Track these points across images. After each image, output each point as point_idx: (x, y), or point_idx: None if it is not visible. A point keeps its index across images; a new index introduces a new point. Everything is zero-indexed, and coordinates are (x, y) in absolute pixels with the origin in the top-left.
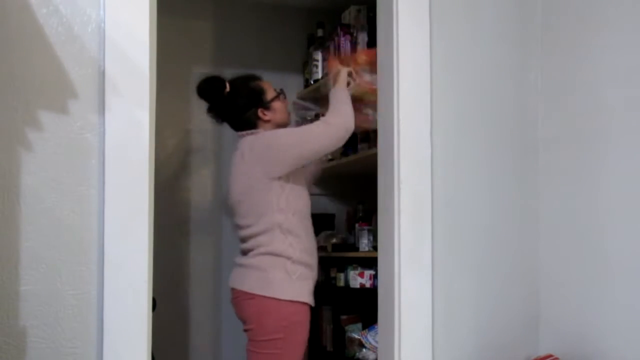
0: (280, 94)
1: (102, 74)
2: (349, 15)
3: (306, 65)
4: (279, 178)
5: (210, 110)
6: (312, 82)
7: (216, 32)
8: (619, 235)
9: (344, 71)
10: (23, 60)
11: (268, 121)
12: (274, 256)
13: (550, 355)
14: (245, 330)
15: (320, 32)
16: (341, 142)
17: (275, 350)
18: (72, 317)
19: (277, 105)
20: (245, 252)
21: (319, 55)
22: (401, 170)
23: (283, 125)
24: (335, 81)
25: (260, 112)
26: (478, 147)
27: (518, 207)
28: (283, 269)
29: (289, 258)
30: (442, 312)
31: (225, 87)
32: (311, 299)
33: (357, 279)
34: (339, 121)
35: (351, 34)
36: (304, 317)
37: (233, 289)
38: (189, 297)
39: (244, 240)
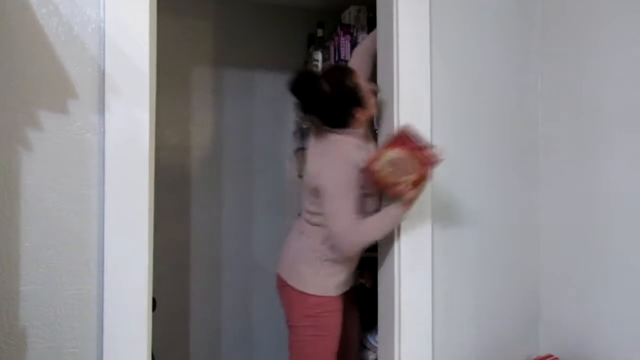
0: (375, 93)
1: (102, 74)
2: (349, 15)
3: (306, 65)
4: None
5: (300, 106)
6: None
7: (216, 32)
8: (619, 235)
9: (414, 194)
10: (23, 60)
11: (361, 120)
12: (312, 251)
13: (550, 355)
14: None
15: (320, 32)
16: (346, 247)
17: (305, 337)
18: (72, 317)
19: (371, 102)
20: (300, 233)
21: (319, 55)
22: None
23: (371, 118)
24: (405, 201)
25: (356, 112)
26: (478, 147)
27: (518, 206)
28: (312, 264)
29: (324, 255)
30: (442, 312)
31: (322, 85)
32: (337, 291)
33: (359, 278)
34: (358, 239)
35: (351, 34)
36: (330, 307)
37: (278, 273)
38: (189, 297)
39: (305, 220)
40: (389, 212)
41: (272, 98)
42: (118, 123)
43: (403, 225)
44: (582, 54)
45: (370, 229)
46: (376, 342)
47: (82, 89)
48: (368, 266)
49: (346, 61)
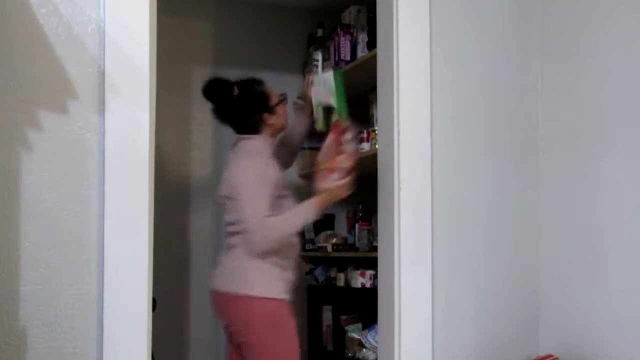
0: (283, 100)
1: (102, 74)
2: (349, 15)
3: (306, 65)
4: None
5: (214, 111)
6: None
7: (216, 32)
8: (619, 235)
9: (329, 196)
10: (23, 60)
11: (271, 125)
12: (251, 259)
13: (550, 355)
14: (230, 332)
15: (320, 32)
16: (255, 237)
17: (265, 348)
18: (72, 317)
19: (280, 110)
20: (228, 249)
21: (319, 55)
22: (401, 170)
23: (282, 129)
24: (321, 196)
25: (265, 117)
26: (478, 147)
27: (518, 207)
28: (259, 268)
29: (266, 257)
30: (442, 312)
31: (232, 90)
32: (288, 296)
33: (359, 278)
34: (270, 233)
35: (351, 34)
36: (286, 312)
37: (214, 291)
38: (189, 298)
39: (228, 234)
40: (303, 206)
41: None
42: (118, 123)
43: (403, 225)
44: (582, 54)
45: (282, 223)
46: (376, 342)
47: (82, 89)
48: (368, 266)
49: (347, 61)
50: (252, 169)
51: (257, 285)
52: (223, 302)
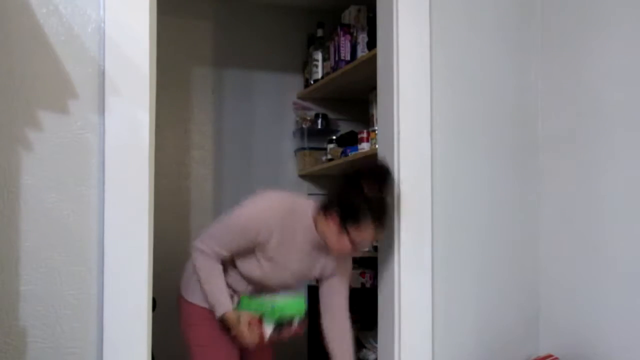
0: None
1: (102, 74)
2: (349, 15)
3: (306, 65)
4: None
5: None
6: (312, 82)
7: (216, 32)
8: (619, 235)
9: (231, 321)
10: (23, 60)
11: (328, 229)
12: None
13: (550, 355)
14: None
15: (320, 32)
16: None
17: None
18: (72, 317)
19: (351, 246)
20: None
21: (319, 55)
22: (401, 170)
23: (326, 243)
24: (229, 315)
25: (332, 218)
26: (478, 147)
27: (518, 207)
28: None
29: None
30: (442, 312)
31: (361, 181)
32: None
33: (359, 278)
34: (196, 260)
35: (351, 34)
36: (202, 317)
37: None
38: None
39: None
40: (216, 292)
41: (272, 98)
42: (118, 123)
43: (403, 225)
44: (582, 54)
45: (204, 274)
46: (376, 342)
47: (82, 89)
48: (368, 266)
49: (347, 61)
50: (257, 206)
51: (188, 290)
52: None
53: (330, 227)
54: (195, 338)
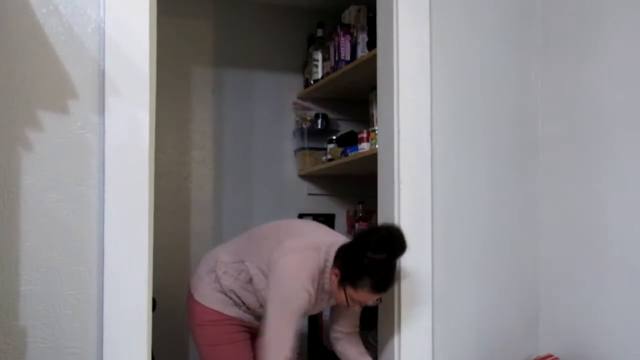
0: (377, 303)
1: (102, 74)
2: (349, 15)
3: (306, 65)
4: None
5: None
6: (312, 82)
7: (216, 32)
8: (618, 235)
9: None
10: (23, 60)
11: (337, 291)
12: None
13: (550, 355)
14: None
15: (320, 32)
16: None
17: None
18: (72, 317)
19: (356, 303)
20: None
21: (319, 55)
22: (401, 170)
23: (333, 302)
24: None
25: (336, 272)
26: (478, 147)
27: (518, 207)
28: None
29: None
30: (442, 312)
31: (370, 254)
32: (226, 309)
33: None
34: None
35: (351, 34)
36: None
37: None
38: None
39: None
40: None
41: (272, 98)
42: (118, 123)
43: (403, 225)
44: (582, 54)
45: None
46: (376, 342)
47: (82, 89)
48: None
49: (347, 61)
50: (292, 279)
51: (199, 291)
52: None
53: (332, 280)
54: (205, 337)
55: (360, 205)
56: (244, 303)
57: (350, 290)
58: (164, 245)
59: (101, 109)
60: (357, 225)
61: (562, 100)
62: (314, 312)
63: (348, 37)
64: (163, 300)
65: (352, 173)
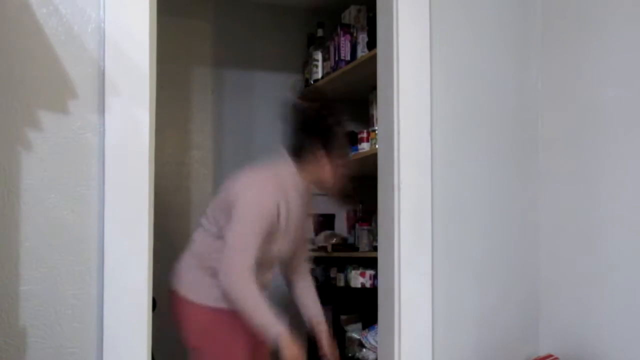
0: (347, 156)
1: (102, 74)
2: (349, 15)
3: (306, 65)
4: None
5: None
6: (312, 82)
7: (216, 32)
8: (619, 235)
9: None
10: (23, 60)
11: (319, 165)
12: (201, 255)
13: (550, 355)
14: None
15: (320, 32)
16: (223, 282)
17: None
18: (72, 317)
19: (338, 170)
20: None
21: (319, 55)
22: (401, 170)
23: (321, 185)
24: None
25: (320, 151)
26: (478, 147)
27: (518, 207)
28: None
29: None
30: (442, 312)
31: (327, 111)
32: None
33: (359, 278)
34: (239, 290)
35: (351, 34)
36: (224, 322)
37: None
38: None
39: (197, 227)
40: (267, 316)
41: (272, 98)
42: (118, 123)
43: (403, 225)
44: (582, 54)
45: (249, 302)
46: (376, 342)
47: (82, 89)
48: (368, 266)
49: (347, 61)
50: (257, 192)
51: (193, 288)
52: (171, 302)
53: (317, 164)
54: (212, 345)
55: (360, 205)
56: None
57: (337, 161)
58: (164, 245)
59: (101, 109)
60: (357, 225)
61: (562, 100)
62: (290, 231)
63: (348, 37)
64: (163, 301)
65: (352, 173)
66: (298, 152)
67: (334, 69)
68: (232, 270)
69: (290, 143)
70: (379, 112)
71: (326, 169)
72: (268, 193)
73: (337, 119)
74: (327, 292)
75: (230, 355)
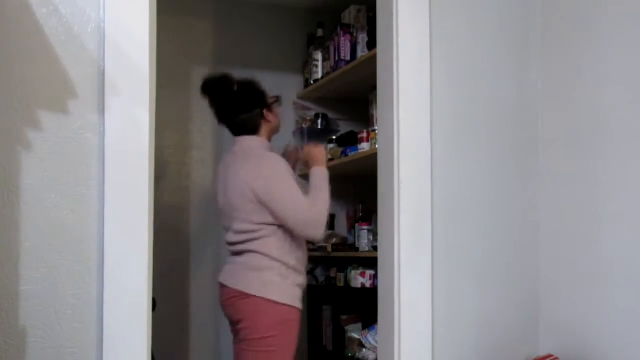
0: (278, 100)
1: (102, 74)
2: (349, 15)
3: (306, 65)
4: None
5: (214, 108)
6: (312, 82)
7: (216, 32)
8: (618, 235)
9: (322, 150)
10: (23, 60)
11: (269, 122)
12: (270, 259)
13: (550, 355)
14: (237, 330)
15: (320, 32)
16: (308, 230)
17: (269, 347)
18: (72, 317)
19: (276, 110)
20: (239, 253)
21: (319, 55)
22: (401, 170)
23: (277, 130)
24: (314, 160)
25: (264, 113)
26: (478, 147)
27: (518, 207)
28: (278, 273)
29: (285, 264)
30: (442, 312)
31: (232, 85)
32: (301, 304)
33: (359, 278)
34: (316, 215)
35: (351, 34)
36: (296, 317)
37: (224, 287)
38: (189, 297)
39: (236, 243)
40: (318, 179)
41: None
42: (118, 123)
43: (403, 225)
44: (582, 54)
45: (323, 203)
46: (376, 342)
47: (82, 89)
48: (368, 266)
49: (347, 61)
50: (270, 166)
51: (275, 289)
52: (233, 300)
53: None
54: (294, 336)
55: (360, 205)
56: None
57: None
58: (164, 245)
59: (101, 109)
60: (357, 225)
61: (562, 100)
62: None
63: (348, 37)
64: (163, 301)
65: (352, 173)
66: (248, 128)
67: (334, 69)
68: (298, 211)
69: (238, 128)
70: (379, 112)
71: (272, 116)
72: (274, 157)
73: (246, 80)
74: (327, 292)
75: (293, 342)
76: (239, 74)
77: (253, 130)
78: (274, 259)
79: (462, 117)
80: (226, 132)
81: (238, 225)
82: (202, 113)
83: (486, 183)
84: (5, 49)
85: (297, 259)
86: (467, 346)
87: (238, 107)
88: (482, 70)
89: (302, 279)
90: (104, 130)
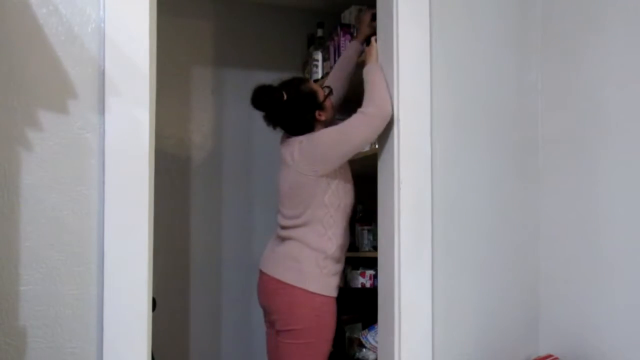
0: (330, 93)
1: (102, 74)
2: (349, 15)
3: (306, 65)
4: (327, 175)
5: (266, 118)
6: None
7: (216, 32)
8: (618, 235)
9: (374, 44)
10: (23, 60)
11: (323, 121)
12: (310, 249)
13: (550, 355)
14: (272, 320)
15: (320, 32)
16: (381, 129)
17: (307, 339)
18: (72, 317)
19: (328, 103)
20: (283, 239)
21: (319, 55)
22: (401, 170)
23: (331, 122)
24: (368, 55)
25: (317, 114)
26: (478, 147)
27: (518, 207)
28: (315, 263)
29: (323, 252)
30: (442, 312)
31: (282, 95)
32: (336, 292)
33: (359, 278)
34: (375, 111)
35: (351, 34)
36: (332, 307)
37: (264, 274)
38: (189, 297)
39: (284, 227)
40: (373, 71)
41: None
42: (118, 123)
43: (403, 225)
44: (582, 54)
45: (383, 92)
46: (376, 342)
47: (82, 89)
48: (368, 266)
49: None
50: (317, 136)
51: (311, 280)
52: (271, 288)
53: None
54: (331, 326)
55: (360, 205)
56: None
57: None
58: (164, 245)
59: (101, 109)
60: (357, 225)
61: (562, 99)
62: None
63: (348, 37)
64: (163, 301)
65: (352, 173)
66: (304, 129)
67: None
68: (370, 120)
69: (294, 131)
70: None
71: (325, 114)
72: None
73: (293, 84)
74: None
75: (331, 331)
76: (239, 73)
77: (308, 130)
78: (313, 248)
79: (462, 117)
80: (226, 132)
81: (287, 211)
82: (202, 113)
83: (486, 183)
84: (6, 49)
85: (337, 245)
86: (467, 346)
87: (291, 116)
88: (482, 70)
89: (339, 267)
90: (104, 130)
